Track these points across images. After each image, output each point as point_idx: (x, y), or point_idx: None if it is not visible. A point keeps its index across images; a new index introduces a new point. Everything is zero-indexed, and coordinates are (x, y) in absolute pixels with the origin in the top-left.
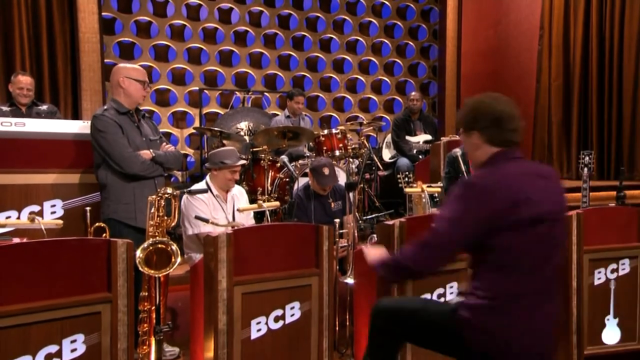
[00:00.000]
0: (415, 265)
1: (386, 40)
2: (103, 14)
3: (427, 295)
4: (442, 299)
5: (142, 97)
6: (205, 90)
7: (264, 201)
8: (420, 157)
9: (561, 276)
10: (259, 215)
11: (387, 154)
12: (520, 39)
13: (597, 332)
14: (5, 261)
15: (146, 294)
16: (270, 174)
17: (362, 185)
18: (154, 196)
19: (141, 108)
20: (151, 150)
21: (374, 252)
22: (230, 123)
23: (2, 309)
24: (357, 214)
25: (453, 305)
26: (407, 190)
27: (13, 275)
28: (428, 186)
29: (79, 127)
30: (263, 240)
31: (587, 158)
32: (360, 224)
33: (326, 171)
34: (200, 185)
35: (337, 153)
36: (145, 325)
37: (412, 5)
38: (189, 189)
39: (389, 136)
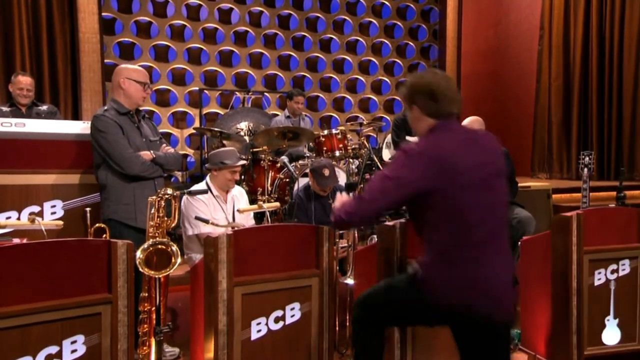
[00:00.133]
0: (350, 216)
1: (386, 41)
2: (103, 14)
3: None
4: None
5: (142, 98)
6: (205, 91)
7: (264, 202)
8: None
9: (509, 231)
10: (259, 216)
11: (387, 154)
12: (520, 39)
13: (597, 332)
14: (5, 262)
15: (146, 294)
16: (270, 174)
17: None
18: (154, 197)
19: (141, 108)
20: (151, 152)
21: (339, 200)
22: (230, 123)
23: (3, 309)
24: None
25: (412, 272)
26: None
27: (13, 276)
28: None
29: (80, 127)
30: (263, 241)
31: (587, 158)
32: None
33: (326, 172)
34: (201, 185)
35: (337, 153)
36: (146, 325)
37: (412, 5)
38: (189, 189)
39: (389, 136)
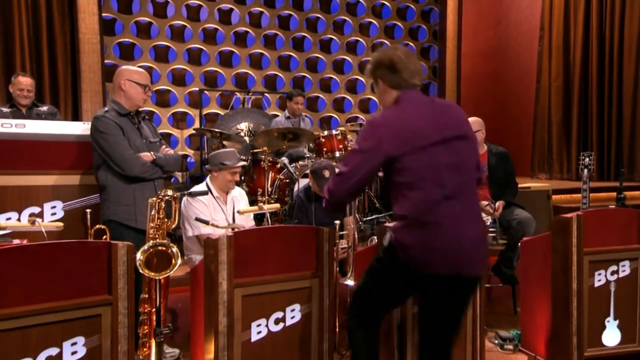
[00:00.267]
0: (333, 193)
1: (386, 41)
2: (103, 14)
3: None
4: None
5: (143, 100)
6: (206, 91)
7: (264, 202)
8: None
9: (477, 195)
10: (259, 217)
11: None
12: (520, 40)
13: (597, 334)
14: (5, 264)
15: (146, 296)
16: (270, 175)
17: None
18: (154, 198)
19: (141, 109)
20: (152, 153)
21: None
22: (230, 124)
23: (3, 311)
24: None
25: (386, 243)
26: None
27: (13, 277)
28: None
29: (80, 129)
30: (263, 242)
31: (587, 159)
32: (360, 225)
33: (326, 174)
34: (201, 186)
35: (338, 154)
36: (146, 327)
37: (412, 6)
38: (189, 191)
39: None
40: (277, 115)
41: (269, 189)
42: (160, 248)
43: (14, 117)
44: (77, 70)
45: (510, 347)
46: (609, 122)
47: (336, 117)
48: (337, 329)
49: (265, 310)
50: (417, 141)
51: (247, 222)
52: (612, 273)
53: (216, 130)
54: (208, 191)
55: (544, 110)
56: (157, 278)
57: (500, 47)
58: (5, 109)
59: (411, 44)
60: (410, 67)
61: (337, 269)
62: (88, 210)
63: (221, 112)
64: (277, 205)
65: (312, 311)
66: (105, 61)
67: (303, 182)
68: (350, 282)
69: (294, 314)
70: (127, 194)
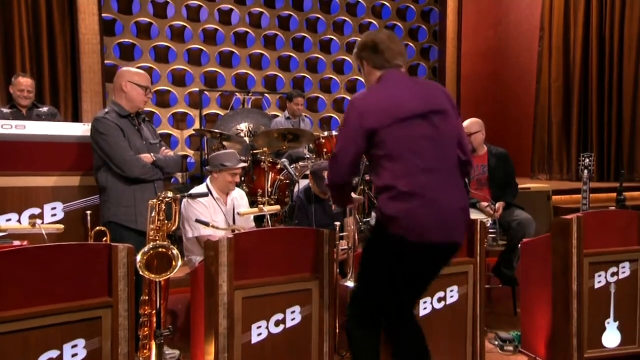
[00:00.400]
0: (331, 177)
1: None
2: (103, 15)
3: (428, 299)
4: (442, 304)
5: (144, 102)
6: (206, 92)
7: (264, 203)
8: None
9: (458, 167)
10: (259, 218)
11: None
12: (521, 40)
13: (598, 335)
14: (6, 266)
15: (147, 298)
16: (270, 176)
17: (362, 187)
18: (154, 200)
19: (142, 111)
20: (152, 155)
21: None
22: (230, 124)
23: (3, 314)
24: (357, 216)
25: (374, 221)
26: None
27: (14, 280)
28: None
29: (81, 130)
30: (264, 244)
31: (587, 160)
32: (361, 226)
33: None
34: (201, 188)
35: None
36: (146, 329)
37: (412, 6)
38: (190, 193)
39: None
40: (277, 116)
41: (269, 190)
42: (160, 250)
43: (14, 118)
44: (78, 70)
45: (511, 348)
46: (609, 122)
47: (336, 117)
48: (338, 331)
49: (266, 312)
50: (395, 114)
51: (247, 223)
52: (613, 275)
53: (216, 131)
54: (208, 193)
55: (544, 110)
56: (157, 280)
57: (500, 47)
58: (5, 110)
59: (411, 44)
60: (394, 48)
61: (338, 270)
62: (88, 213)
63: (221, 112)
64: (278, 207)
65: (312, 313)
66: (106, 62)
67: (303, 183)
68: (350, 284)
69: (294, 316)
70: (128, 196)
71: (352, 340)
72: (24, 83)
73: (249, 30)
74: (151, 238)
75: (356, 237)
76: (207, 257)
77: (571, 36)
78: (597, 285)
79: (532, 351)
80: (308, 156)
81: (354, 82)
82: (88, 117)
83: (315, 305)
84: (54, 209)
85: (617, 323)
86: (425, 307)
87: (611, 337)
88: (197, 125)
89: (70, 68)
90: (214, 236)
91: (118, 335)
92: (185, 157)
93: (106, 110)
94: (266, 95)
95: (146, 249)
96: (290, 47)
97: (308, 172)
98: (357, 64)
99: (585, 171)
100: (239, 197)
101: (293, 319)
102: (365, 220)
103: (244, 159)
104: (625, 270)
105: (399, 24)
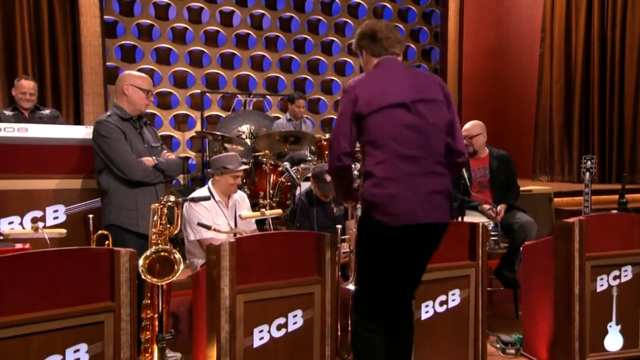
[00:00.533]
0: (329, 163)
1: None
2: (105, 17)
3: (429, 302)
4: (443, 307)
5: (145, 105)
6: (207, 93)
7: (265, 205)
8: None
9: (444, 158)
10: (261, 220)
11: None
12: (522, 41)
13: (600, 339)
14: (8, 271)
15: (149, 301)
16: (272, 178)
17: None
18: (156, 204)
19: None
20: (154, 158)
21: None
22: (231, 126)
23: (6, 318)
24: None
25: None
26: None
27: (16, 284)
28: None
29: (83, 133)
30: (265, 248)
31: (588, 162)
32: None
33: (328, 178)
34: (202, 191)
35: None
36: (148, 332)
37: (413, 7)
38: (191, 196)
39: None
40: (278, 117)
41: (271, 192)
42: (162, 254)
43: (17, 121)
44: (79, 72)
45: (512, 351)
46: (611, 123)
47: None
48: (339, 334)
49: (268, 316)
50: (380, 101)
51: (248, 226)
52: (615, 278)
53: (217, 133)
54: (210, 196)
55: (545, 111)
56: (159, 284)
57: (502, 48)
58: (7, 112)
59: (412, 45)
60: (391, 37)
61: (339, 273)
62: (90, 216)
63: (222, 114)
64: (279, 211)
65: (314, 317)
66: (107, 63)
67: (305, 185)
68: (352, 287)
69: (296, 320)
70: (129, 199)
71: (357, 343)
72: (26, 86)
73: (250, 32)
74: (153, 242)
75: None
76: (209, 260)
77: (572, 37)
78: (599, 289)
79: (533, 354)
80: (309, 158)
81: None
82: (89, 119)
83: (317, 309)
84: (55, 211)
85: (619, 326)
86: (427, 310)
87: (613, 341)
88: (198, 127)
89: (71, 70)
90: (215, 239)
91: (120, 339)
92: (187, 158)
93: (108, 113)
94: (267, 96)
95: (148, 252)
96: (291, 49)
97: (309, 175)
98: (357, 51)
99: (587, 173)
100: (240, 200)
101: (295, 323)
102: None
103: (246, 160)
104: (627, 274)
105: (400, 25)
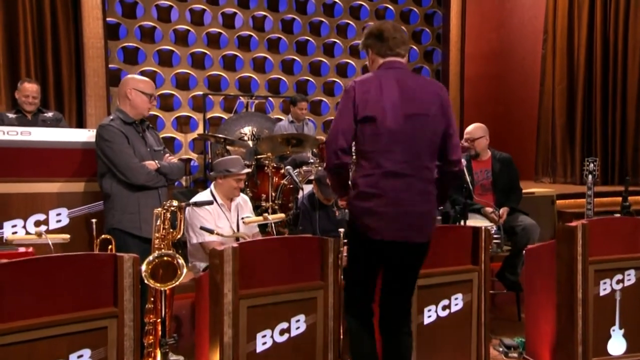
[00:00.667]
0: (328, 162)
1: None
2: (107, 19)
3: (432, 307)
4: (446, 311)
5: (148, 109)
6: (209, 95)
7: (267, 208)
8: None
9: (431, 172)
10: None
11: None
12: (524, 42)
13: (603, 343)
14: (12, 277)
15: (152, 306)
16: (274, 180)
17: None
18: (159, 209)
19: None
20: (156, 162)
21: None
22: (234, 128)
23: (9, 325)
24: None
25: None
26: None
27: (20, 290)
28: None
29: (86, 136)
30: (268, 253)
31: (591, 165)
32: None
33: None
34: (205, 194)
35: None
36: (151, 337)
37: (415, 9)
38: (194, 201)
39: None
40: (280, 119)
41: (273, 195)
42: (165, 259)
43: (20, 123)
44: (82, 74)
45: (515, 355)
46: (613, 125)
47: None
48: (342, 336)
49: (270, 321)
50: (375, 110)
51: (251, 229)
52: (618, 282)
53: (220, 135)
54: (213, 200)
55: (548, 113)
56: (162, 289)
57: (504, 50)
58: (10, 115)
59: (414, 47)
60: (397, 37)
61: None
62: (94, 220)
63: (225, 116)
64: (282, 215)
65: (317, 322)
66: (110, 66)
67: (307, 187)
68: None
69: (299, 325)
70: (132, 203)
71: (350, 343)
72: (29, 89)
73: (252, 34)
74: (156, 246)
75: None
76: (211, 265)
77: (575, 39)
78: (602, 293)
79: (536, 358)
80: (312, 160)
81: None
82: (92, 121)
83: (319, 314)
84: (58, 214)
85: (622, 330)
86: (429, 315)
87: (616, 345)
88: (200, 129)
89: (74, 72)
90: (217, 242)
91: (123, 344)
92: (189, 160)
93: (110, 117)
94: (270, 98)
95: (151, 257)
96: (293, 50)
97: (312, 178)
98: (363, 50)
99: (590, 176)
100: (242, 203)
101: (298, 328)
102: None
103: (248, 163)
104: (630, 278)
105: (402, 26)
